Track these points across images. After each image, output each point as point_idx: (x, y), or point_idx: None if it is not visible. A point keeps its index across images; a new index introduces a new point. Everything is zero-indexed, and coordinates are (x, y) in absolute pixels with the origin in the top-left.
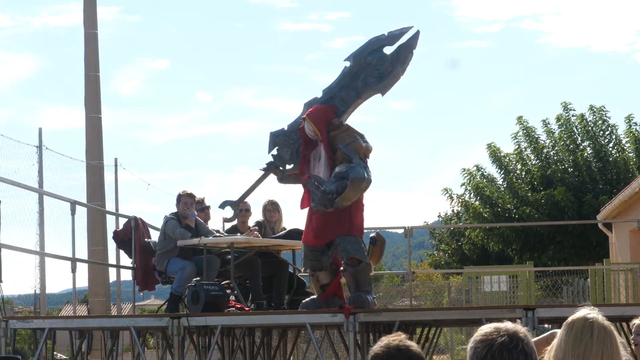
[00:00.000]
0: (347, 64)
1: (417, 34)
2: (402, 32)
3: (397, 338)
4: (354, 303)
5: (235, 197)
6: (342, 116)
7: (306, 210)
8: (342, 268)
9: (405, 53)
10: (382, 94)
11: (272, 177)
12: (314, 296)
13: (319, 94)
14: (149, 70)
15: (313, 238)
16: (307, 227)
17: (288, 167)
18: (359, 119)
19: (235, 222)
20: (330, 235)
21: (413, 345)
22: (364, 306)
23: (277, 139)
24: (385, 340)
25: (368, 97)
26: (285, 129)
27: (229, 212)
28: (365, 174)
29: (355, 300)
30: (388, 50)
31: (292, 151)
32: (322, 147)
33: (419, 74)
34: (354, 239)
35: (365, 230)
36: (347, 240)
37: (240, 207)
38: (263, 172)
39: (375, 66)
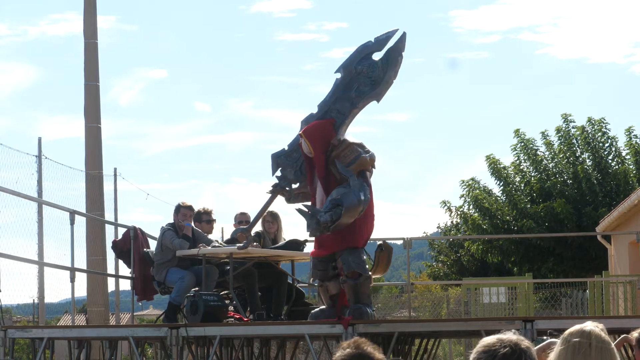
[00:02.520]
0: (338, 75)
1: (403, 35)
2: (389, 36)
3: (358, 344)
4: (353, 315)
5: (243, 221)
6: (341, 128)
7: None
8: (341, 279)
9: (394, 56)
10: (378, 101)
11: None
12: (324, 307)
13: (315, 109)
14: (146, 80)
15: (318, 248)
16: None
17: (294, 186)
18: (357, 130)
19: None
20: (335, 247)
21: (377, 354)
22: (363, 318)
23: (278, 160)
24: (347, 348)
25: (364, 106)
26: (286, 148)
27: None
28: (362, 196)
29: (355, 312)
30: (377, 56)
31: (295, 170)
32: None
33: (417, 85)
34: (356, 252)
35: (370, 241)
36: (350, 253)
37: (240, 219)
38: (270, 195)
39: (367, 74)
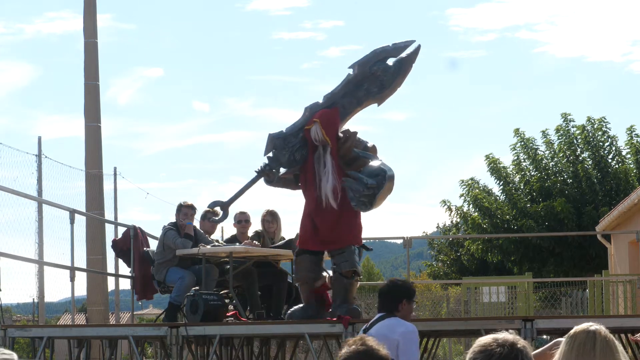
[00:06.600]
0: (351, 71)
1: (418, 48)
2: (407, 44)
3: (364, 341)
4: (351, 314)
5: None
6: (341, 123)
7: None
8: (334, 276)
9: (406, 66)
10: (379, 104)
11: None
12: (302, 305)
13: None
14: (144, 79)
15: (320, 243)
16: (309, 233)
17: (281, 170)
18: (356, 129)
19: (234, 232)
20: (341, 242)
21: (382, 349)
22: (360, 317)
23: (276, 141)
24: (353, 345)
25: (366, 106)
26: (284, 131)
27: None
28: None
29: (353, 311)
30: (390, 61)
31: (289, 154)
32: (328, 154)
33: (415, 85)
34: (356, 251)
35: (363, 241)
36: (352, 252)
37: (240, 218)
38: (257, 174)
39: (379, 76)
